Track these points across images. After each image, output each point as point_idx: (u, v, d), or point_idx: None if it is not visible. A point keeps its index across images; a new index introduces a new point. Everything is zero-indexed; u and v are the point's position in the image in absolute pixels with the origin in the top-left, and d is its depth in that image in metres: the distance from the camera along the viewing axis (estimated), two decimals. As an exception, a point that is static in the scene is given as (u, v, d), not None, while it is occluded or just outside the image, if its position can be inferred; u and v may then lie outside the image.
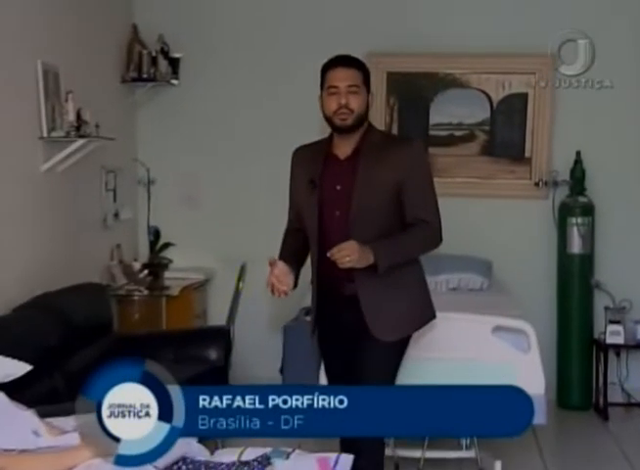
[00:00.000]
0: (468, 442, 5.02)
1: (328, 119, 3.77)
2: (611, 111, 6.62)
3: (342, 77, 3.72)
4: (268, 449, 3.49)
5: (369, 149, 3.77)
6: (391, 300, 3.81)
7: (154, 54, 6.70)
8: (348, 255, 3.54)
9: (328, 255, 3.58)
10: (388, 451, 4.98)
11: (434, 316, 3.97)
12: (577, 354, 6.56)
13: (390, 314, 3.80)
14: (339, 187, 3.75)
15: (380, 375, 3.84)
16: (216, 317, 6.57)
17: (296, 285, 3.85)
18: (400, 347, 3.88)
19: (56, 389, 4.47)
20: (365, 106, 3.77)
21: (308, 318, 4.33)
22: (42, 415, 3.46)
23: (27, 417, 3.38)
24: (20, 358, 3.78)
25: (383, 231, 3.72)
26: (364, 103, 3.76)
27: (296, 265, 3.84)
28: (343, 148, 3.80)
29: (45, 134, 5.38)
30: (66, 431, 3.44)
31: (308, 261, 3.93)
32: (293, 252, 3.91)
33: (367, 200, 3.70)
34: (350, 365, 3.86)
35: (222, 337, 5.57)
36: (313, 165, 3.83)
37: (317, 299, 3.91)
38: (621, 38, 6.60)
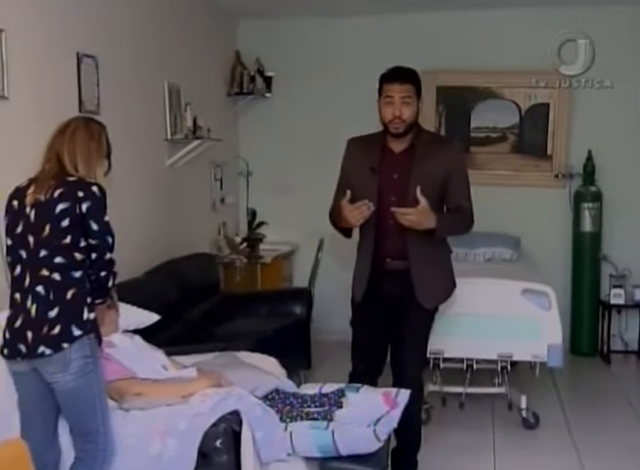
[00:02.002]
0: (500, 380, 4.98)
1: (384, 125, 3.67)
2: (614, 111, 6.46)
3: (397, 90, 3.59)
4: (342, 385, 3.53)
5: (421, 146, 3.67)
6: (433, 273, 3.72)
7: (252, 73, 6.72)
8: (411, 214, 3.42)
9: (392, 210, 3.43)
10: (435, 388, 5.01)
11: (455, 286, 3.86)
12: (587, 312, 6.49)
13: (432, 285, 3.72)
14: (396, 175, 3.64)
15: (420, 336, 3.79)
16: (300, 280, 6.58)
17: (350, 235, 3.77)
18: (433, 313, 3.80)
19: (177, 334, 4.53)
20: (416, 113, 3.65)
21: None
22: (168, 354, 3.53)
23: (158, 355, 3.46)
24: (150, 310, 3.87)
25: None
26: (415, 111, 3.64)
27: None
28: (397, 144, 3.68)
29: (169, 137, 5.45)
30: (185, 366, 3.51)
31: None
32: None
33: (421, 186, 3.52)
34: (384, 333, 3.75)
35: (305, 296, 5.59)
36: (371, 155, 3.69)
37: (370, 273, 3.69)
38: (621, 38, 6.37)
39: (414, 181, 3.57)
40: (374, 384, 3.70)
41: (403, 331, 3.72)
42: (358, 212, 3.48)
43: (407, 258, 3.63)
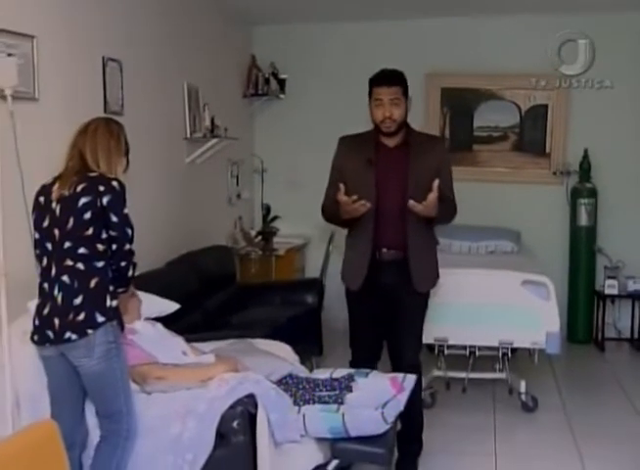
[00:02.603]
0: (501, 366, 4.96)
1: (375, 125, 3.65)
2: (611, 112, 6.42)
3: (386, 92, 3.57)
4: (352, 370, 3.52)
5: (415, 143, 3.66)
6: (427, 260, 3.74)
7: (266, 76, 6.73)
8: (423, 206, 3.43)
9: (410, 204, 3.41)
10: (440, 373, 5.00)
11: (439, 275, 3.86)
12: (583, 302, 6.47)
13: (427, 271, 3.73)
14: (393, 166, 3.63)
15: (417, 321, 3.79)
16: (312, 271, 6.57)
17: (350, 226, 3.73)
18: (427, 297, 3.79)
19: (196, 322, 4.52)
20: (405, 112, 3.62)
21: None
22: (187, 340, 3.53)
23: (178, 341, 3.46)
24: (171, 299, 3.87)
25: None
26: (404, 111, 3.61)
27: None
28: (390, 141, 3.66)
29: (188, 135, 5.44)
30: (204, 352, 3.50)
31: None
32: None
33: (419, 177, 3.56)
34: (380, 319, 3.73)
35: (316, 286, 5.57)
36: (366, 150, 3.66)
37: (369, 262, 3.64)
38: (621, 38, 6.31)
39: (413, 174, 3.58)
40: (374, 369, 3.68)
41: (401, 317, 3.72)
42: (358, 205, 3.45)
43: (405, 248, 3.61)
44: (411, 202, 3.42)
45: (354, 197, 3.43)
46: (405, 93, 3.64)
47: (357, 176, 3.62)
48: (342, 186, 3.48)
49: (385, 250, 3.65)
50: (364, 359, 3.75)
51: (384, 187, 3.60)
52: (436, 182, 3.43)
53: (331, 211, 3.69)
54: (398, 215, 3.56)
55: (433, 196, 3.42)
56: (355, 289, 3.70)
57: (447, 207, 3.66)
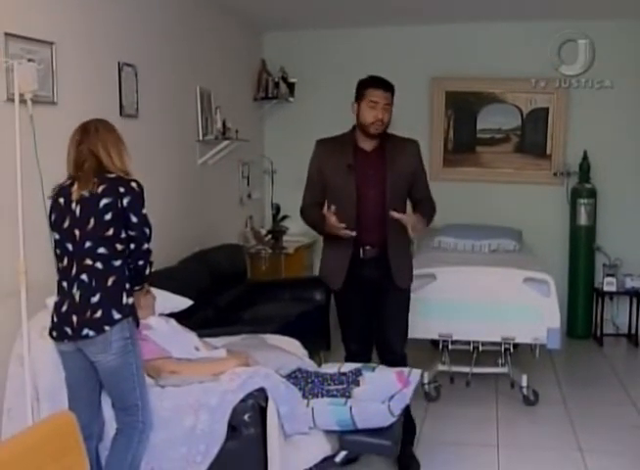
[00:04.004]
0: (503, 361, 4.95)
1: (362, 126, 3.63)
2: (611, 112, 6.40)
3: (382, 96, 3.59)
4: (359, 364, 3.52)
5: (391, 146, 3.68)
6: (404, 257, 3.78)
7: (276, 80, 6.73)
8: (417, 222, 3.51)
9: (410, 227, 3.49)
10: (444, 367, 4.99)
11: None
12: (582, 299, 6.45)
13: (405, 267, 3.76)
14: (371, 171, 3.64)
15: (402, 316, 3.79)
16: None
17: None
18: (409, 292, 3.81)
19: (208, 318, 4.53)
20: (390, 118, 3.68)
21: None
22: (200, 336, 3.53)
23: (191, 337, 3.46)
24: (184, 296, 3.87)
25: (402, 204, 3.70)
26: (391, 115, 3.66)
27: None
28: (369, 144, 3.67)
29: (201, 138, 5.45)
30: (216, 347, 3.51)
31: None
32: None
33: (397, 181, 3.61)
34: (368, 312, 3.74)
35: (324, 283, 5.55)
36: (345, 154, 3.65)
37: (350, 261, 3.64)
38: (621, 39, 6.27)
39: (390, 176, 3.62)
40: (369, 361, 3.71)
41: (386, 313, 3.73)
42: (344, 233, 3.49)
43: (385, 246, 3.64)
44: (403, 216, 3.52)
45: (344, 232, 3.49)
46: (393, 100, 3.68)
47: (338, 180, 3.65)
48: (333, 207, 3.52)
49: (368, 247, 3.67)
50: (358, 352, 3.77)
51: (364, 190, 3.62)
52: (393, 214, 3.49)
53: (312, 220, 3.73)
54: (379, 216, 3.59)
55: (406, 218, 3.52)
56: (338, 287, 3.72)
57: (431, 206, 3.74)
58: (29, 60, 3.28)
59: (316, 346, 4.72)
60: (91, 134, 2.91)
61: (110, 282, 2.83)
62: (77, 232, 2.85)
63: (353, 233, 3.50)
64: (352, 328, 3.81)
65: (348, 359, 3.73)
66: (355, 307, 3.77)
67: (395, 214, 3.50)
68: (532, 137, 6.63)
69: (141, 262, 2.92)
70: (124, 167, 2.91)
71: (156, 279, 3.51)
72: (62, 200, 2.91)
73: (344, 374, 3.38)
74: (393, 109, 3.67)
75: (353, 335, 3.82)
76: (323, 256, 3.85)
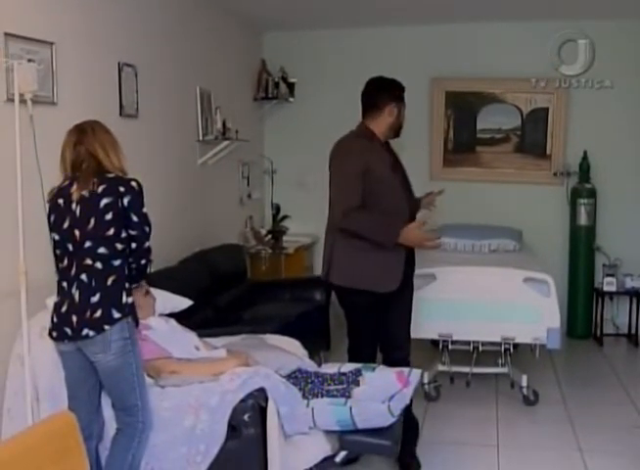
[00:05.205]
0: (503, 361, 4.95)
1: (397, 127, 3.64)
2: (610, 112, 6.39)
3: None
4: (359, 364, 3.52)
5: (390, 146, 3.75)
6: None
7: (276, 80, 6.73)
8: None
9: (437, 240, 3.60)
10: (444, 368, 4.99)
11: None
12: (582, 299, 6.44)
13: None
14: (400, 174, 3.68)
15: (411, 308, 3.79)
16: (320, 269, 6.51)
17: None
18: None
19: (208, 318, 4.53)
20: None
21: None
22: (200, 336, 3.53)
23: (191, 337, 3.46)
24: (184, 296, 3.86)
25: None
26: None
27: None
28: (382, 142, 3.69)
29: (201, 138, 5.44)
30: (216, 347, 3.51)
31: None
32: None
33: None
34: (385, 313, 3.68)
35: (324, 283, 5.54)
36: (381, 151, 3.62)
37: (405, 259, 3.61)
38: (621, 39, 6.25)
39: (408, 178, 3.73)
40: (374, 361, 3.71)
41: (400, 308, 3.70)
42: (433, 243, 3.55)
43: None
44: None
45: (437, 242, 3.58)
46: None
47: (387, 177, 3.55)
48: (435, 232, 3.74)
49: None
50: (373, 354, 3.76)
51: (404, 189, 3.65)
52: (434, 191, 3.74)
53: (369, 226, 3.49)
54: (409, 209, 3.65)
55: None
56: (390, 291, 3.56)
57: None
58: (29, 60, 3.29)
59: (316, 346, 4.72)
60: (88, 135, 2.91)
61: (109, 282, 2.83)
62: (77, 232, 2.84)
63: (439, 242, 3.57)
64: (371, 331, 3.71)
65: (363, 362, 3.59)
66: (369, 309, 3.65)
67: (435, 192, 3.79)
68: (532, 137, 6.63)
69: (143, 261, 2.93)
70: (122, 167, 2.91)
71: (156, 279, 3.51)
72: (61, 200, 2.90)
73: (344, 374, 3.38)
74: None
75: (371, 338, 3.75)
76: (364, 260, 3.56)
